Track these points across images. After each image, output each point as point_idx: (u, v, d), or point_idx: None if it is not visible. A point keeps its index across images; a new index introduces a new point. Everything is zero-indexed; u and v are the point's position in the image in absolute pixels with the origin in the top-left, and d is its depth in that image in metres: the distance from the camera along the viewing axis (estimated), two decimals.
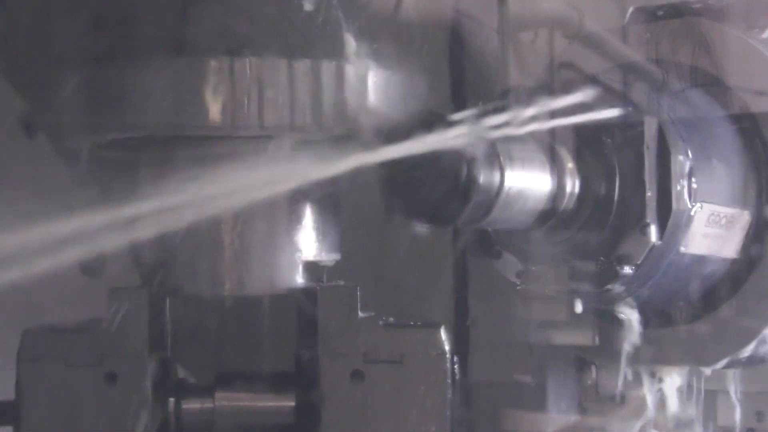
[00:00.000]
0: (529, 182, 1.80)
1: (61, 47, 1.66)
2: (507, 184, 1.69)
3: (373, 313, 1.60)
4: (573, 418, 2.39)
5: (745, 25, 2.20)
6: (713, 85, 2.15)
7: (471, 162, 1.63)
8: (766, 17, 2.23)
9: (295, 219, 1.65)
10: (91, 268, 1.59)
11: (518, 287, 2.09)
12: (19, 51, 1.82)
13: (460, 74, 2.28)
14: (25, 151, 1.90)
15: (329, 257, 1.70)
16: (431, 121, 1.63)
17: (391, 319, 1.61)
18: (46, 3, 1.73)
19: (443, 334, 1.60)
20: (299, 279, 1.66)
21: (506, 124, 1.72)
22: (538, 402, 2.36)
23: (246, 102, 1.55)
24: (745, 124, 2.14)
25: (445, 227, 2.04)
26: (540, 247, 2.01)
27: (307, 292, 1.63)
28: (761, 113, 2.13)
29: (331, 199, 1.70)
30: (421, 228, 1.73)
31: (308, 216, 1.67)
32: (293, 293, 1.65)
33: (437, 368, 1.58)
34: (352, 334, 1.58)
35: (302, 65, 1.57)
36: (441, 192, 1.64)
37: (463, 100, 2.29)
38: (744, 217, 2.10)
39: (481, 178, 1.64)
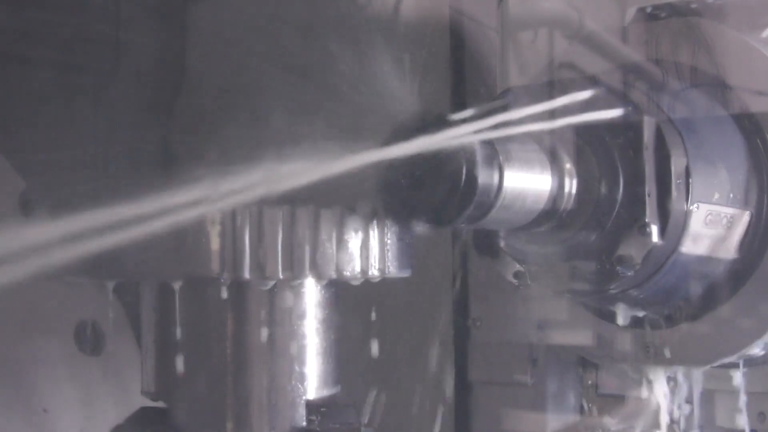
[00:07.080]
0: (528, 182, 1.80)
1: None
2: (506, 184, 1.69)
3: None
4: (573, 418, 2.39)
5: (745, 25, 2.20)
6: (713, 85, 2.15)
7: (470, 162, 1.62)
8: (766, 17, 2.22)
9: (294, 360, 1.63)
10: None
11: (518, 287, 2.09)
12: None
13: (460, 74, 2.28)
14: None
15: (330, 392, 1.68)
16: (431, 121, 1.63)
17: None
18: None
19: None
20: (300, 418, 1.64)
21: (506, 124, 1.72)
22: (537, 402, 2.36)
23: None
24: (745, 124, 2.14)
25: (444, 227, 2.04)
26: (539, 247, 2.01)
27: None
28: (761, 113, 2.13)
29: (329, 332, 1.68)
30: (421, 228, 1.73)
31: (308, 355, 1.65)
32: None
33: None
34: None
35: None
36: (441, 192, 1.63)
37: (463, 100, 2.29)
38: (744, 217, 2.10)
39: (481, 179, 1.64)
